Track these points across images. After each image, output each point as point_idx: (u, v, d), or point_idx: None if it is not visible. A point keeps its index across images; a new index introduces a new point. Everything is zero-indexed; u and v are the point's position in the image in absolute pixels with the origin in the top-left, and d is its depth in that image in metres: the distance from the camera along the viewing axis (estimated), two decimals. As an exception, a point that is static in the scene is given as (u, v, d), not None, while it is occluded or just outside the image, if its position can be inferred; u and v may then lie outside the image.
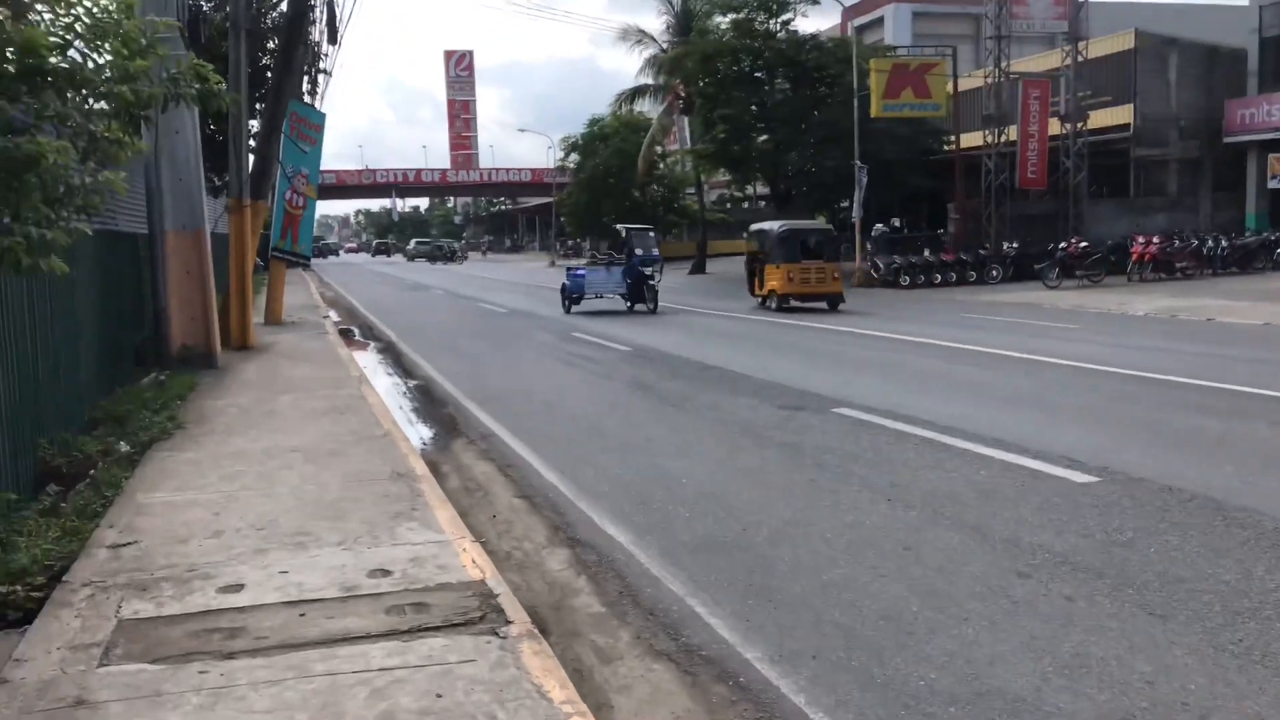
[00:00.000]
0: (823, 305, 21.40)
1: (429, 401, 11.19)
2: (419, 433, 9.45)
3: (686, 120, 46.61)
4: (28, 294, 7.35)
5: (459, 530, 5.49)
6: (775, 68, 35.26)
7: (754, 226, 25.02)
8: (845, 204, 35.95)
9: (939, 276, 29.89)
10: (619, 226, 26.83)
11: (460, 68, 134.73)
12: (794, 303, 21.60)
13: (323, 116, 20.33)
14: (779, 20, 36.00)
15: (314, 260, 52.06)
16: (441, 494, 6.36)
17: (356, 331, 20.20)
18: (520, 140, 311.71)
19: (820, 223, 30.02)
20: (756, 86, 35.22)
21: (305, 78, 22.05)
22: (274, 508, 5.95)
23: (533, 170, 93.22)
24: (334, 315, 23.88)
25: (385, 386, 12.26)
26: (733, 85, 34.57)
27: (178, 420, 8.96)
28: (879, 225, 32.45)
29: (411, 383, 12.66)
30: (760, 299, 22.84)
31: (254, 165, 15.86)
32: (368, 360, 15.23)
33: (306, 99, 20.89)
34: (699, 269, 43.64)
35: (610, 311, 22.17)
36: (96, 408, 9.85)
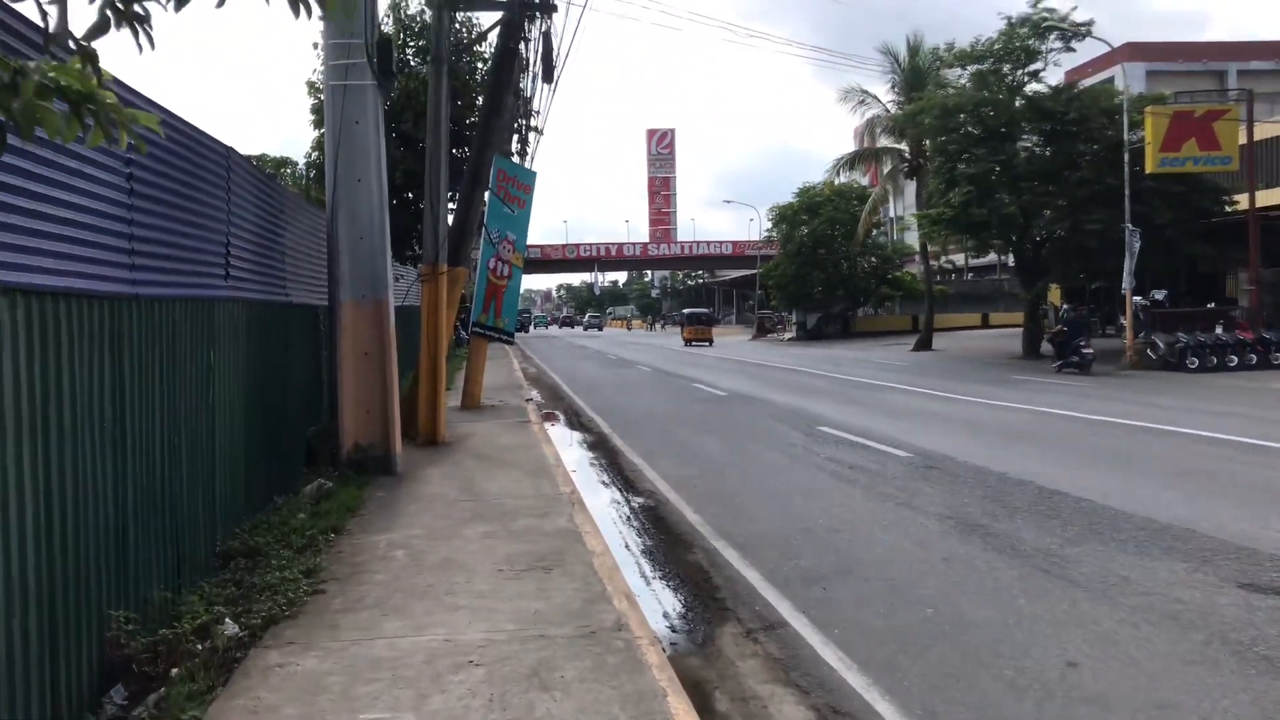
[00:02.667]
0: (1092, 390, 17.11)
1: (666, 538, 8.07)
2: (661, 603, 6.31)
3: (912, 184, 42.84)
4: (106, 384, 4.80)
5: None
6: (1023, 122, 31.14)
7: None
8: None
9: (1234, 358, 24.85)
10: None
11: (661, 145, 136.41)
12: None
13: (533, 176, 18.09)
14: (1026, 71, 31.95)
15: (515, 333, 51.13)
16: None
17: (561, 417, 17.57)
18: (716, 217, 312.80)
19: None
20: (1001, 143, 31.18)
21: (515, 136, 20.09)
22: None
23: (734, 243, 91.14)
24: (536, 395, 21.49)
25: (603, 507, 9.27)
26: (976, 142, 30.69)
27: (318, 574, 6.20)
28: (1137, 298, 27.71)
29: (636, 500, 9.62)
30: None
31: (453, 226, 13.54)
32: (577, 459, 12.39)
33: (515, 160, 18.79)
34: (924, 345, 39.39)
35: (841, 395, 18.68)
36: (239, 531, 7.40)
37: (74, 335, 4.52)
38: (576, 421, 16.73)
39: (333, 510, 8.21)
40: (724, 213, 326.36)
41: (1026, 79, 31.80)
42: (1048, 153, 31.52)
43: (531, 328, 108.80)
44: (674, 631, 5.72)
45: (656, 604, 6.24)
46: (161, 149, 5.84)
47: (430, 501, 8.73)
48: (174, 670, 4.76)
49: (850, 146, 46.82)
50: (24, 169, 4.19)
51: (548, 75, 14.04)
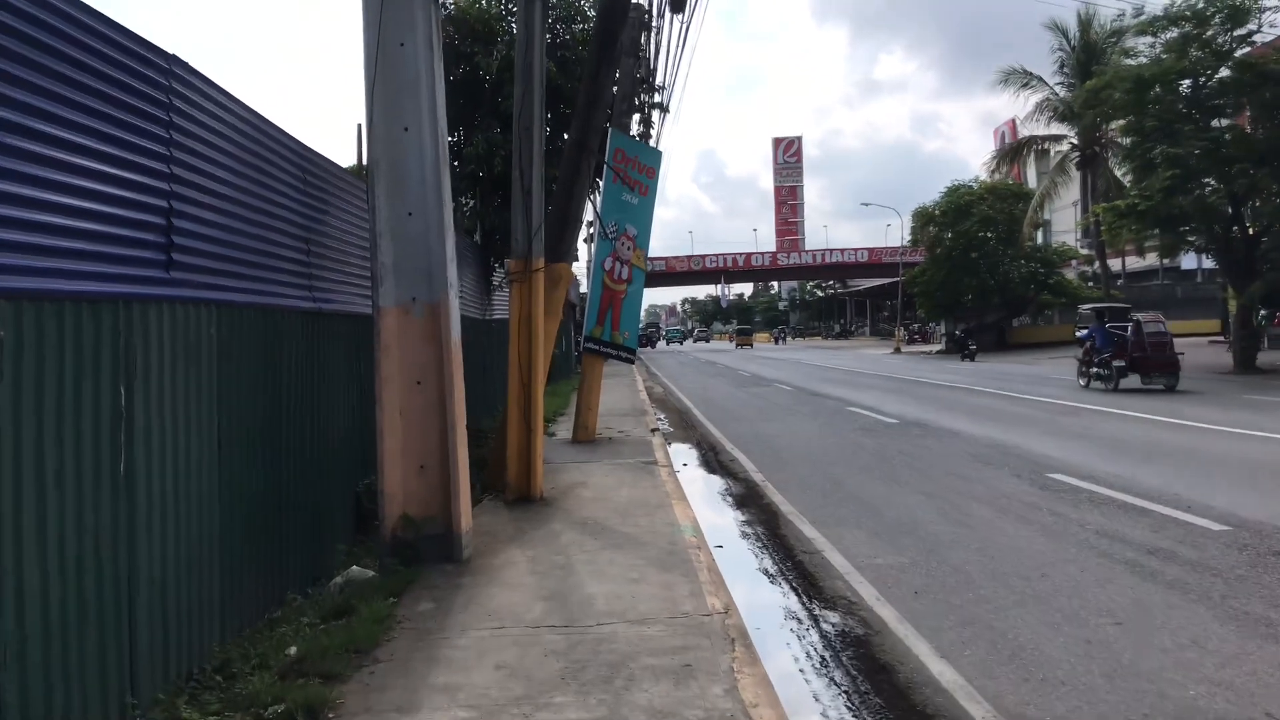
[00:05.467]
0: None
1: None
2: None
3: (1085, 176, 37.83)
4: None
5: None
6: (1233, 93, 26.16)
7: None
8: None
9: None
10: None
11: (789, 154, 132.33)
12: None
13: (658, 156, 14.74)
14: (1233, 35, 26.94)
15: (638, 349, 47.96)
16: None
17: (695, 453, 14.08)
18: (846, 228, 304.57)
19: None
20: (1209, 118, 26.32)
21: (635, 115, 16.78)
22: None
23: (869, 250, 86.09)
24: (664, 423, 18.08)
25: (779, 641, 5.71)
26: (1179, 117, 25.92)
27: None
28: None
29: (829, 621, 6.00)
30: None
31: (552, 209, 10.25)
32: (722, 526, 8.88)
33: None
34: (1103, 359, 34.28)
35: (1047, 424, 14.62)
36: (232, 642, 4.34)
37: None
38: (714, 460, 13.20)
39: (332, 646, 4.93)
40: (854, 222, 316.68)
41: (1234, 44, 26.81)
42: (1260, 132, 26.52)
43: (664, 343, 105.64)
44: None
45: None
46: None
47: (497, 626, 5.35)
48: None
49: (987, 153, 42.04)
50: None
51: (676, 4, 10.63)
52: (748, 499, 10.17)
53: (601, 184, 14.05)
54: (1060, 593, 6.14)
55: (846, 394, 23.53)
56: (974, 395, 21.69)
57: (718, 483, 11.40)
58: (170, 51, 5.17)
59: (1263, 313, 31.35)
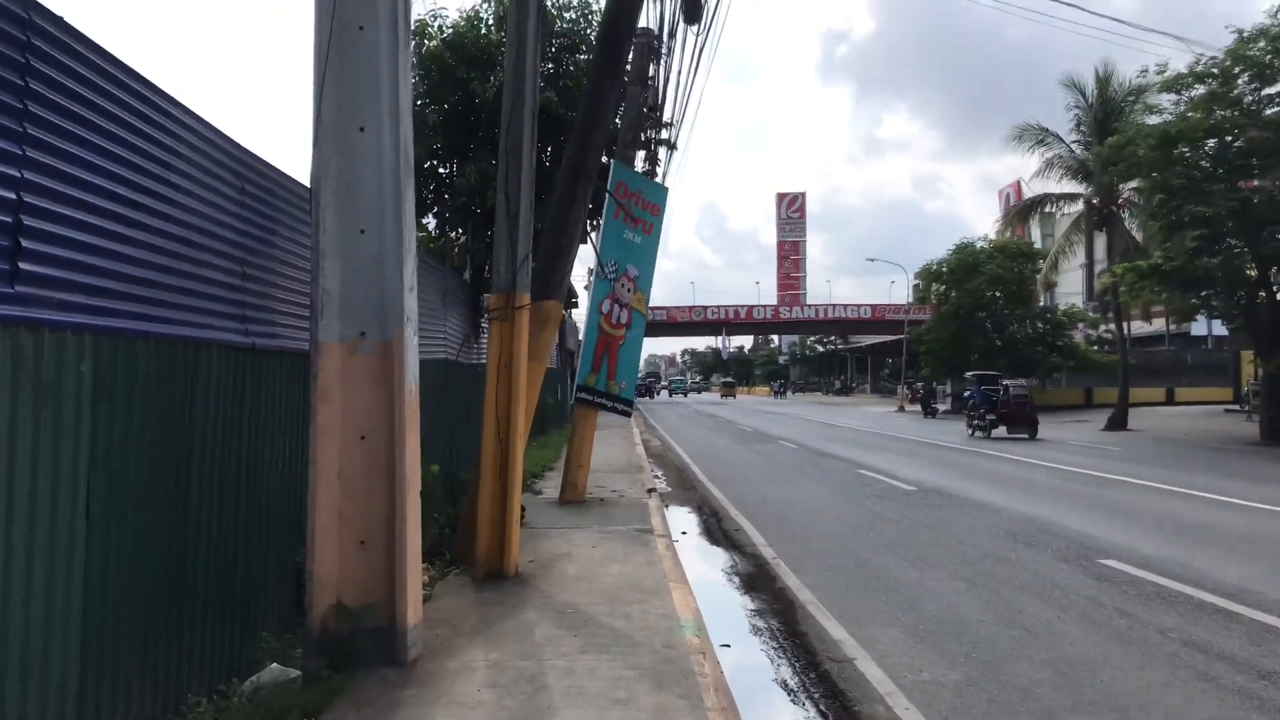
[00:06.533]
0: None
1: None
2: None
3: (1099, 237, 36.82)
4: None
5: None
6: (1263, 154, 25.15)
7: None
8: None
9: None
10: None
11: (792, 209, 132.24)
12: None
13: (664, 193, 13.56)
14: (1261, 93, 26.03)
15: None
16: None
17: (696, 520, 12.72)
18: (848, 284, 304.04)
19: None
20: (1237, 178, 25.31)
21: (642, 152, 15.69)
22: None
23: (873, 306, 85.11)
24: (661, 482, 16.71)
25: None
26: (1207, 177, 24.90)
27: None
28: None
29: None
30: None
31: (541, 243, 9.01)
32: (729, 621, 7.52)
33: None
34: (1118, 424, 33.01)
35: (1079, 496, 13.27)
36: None
37: None
38: (718, 530, 11.83)
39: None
40: (856, 278, 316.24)
41: (1262, 103, 25.87)
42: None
43: (666, 393, 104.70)
44: None
45: None
46: None
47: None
48: None
49: (988, 213, 41.29)
50: None
51: (692, 15, 9.48)
52: (757, 580, 8.79)
53: (602, 220, 12.85)
54: (1167, 735, 4.79)
55: (855, 455, 22.18)
56: (991, 461, 20.34)
57: (721, 558, 10.03)
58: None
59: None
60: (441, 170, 16.31)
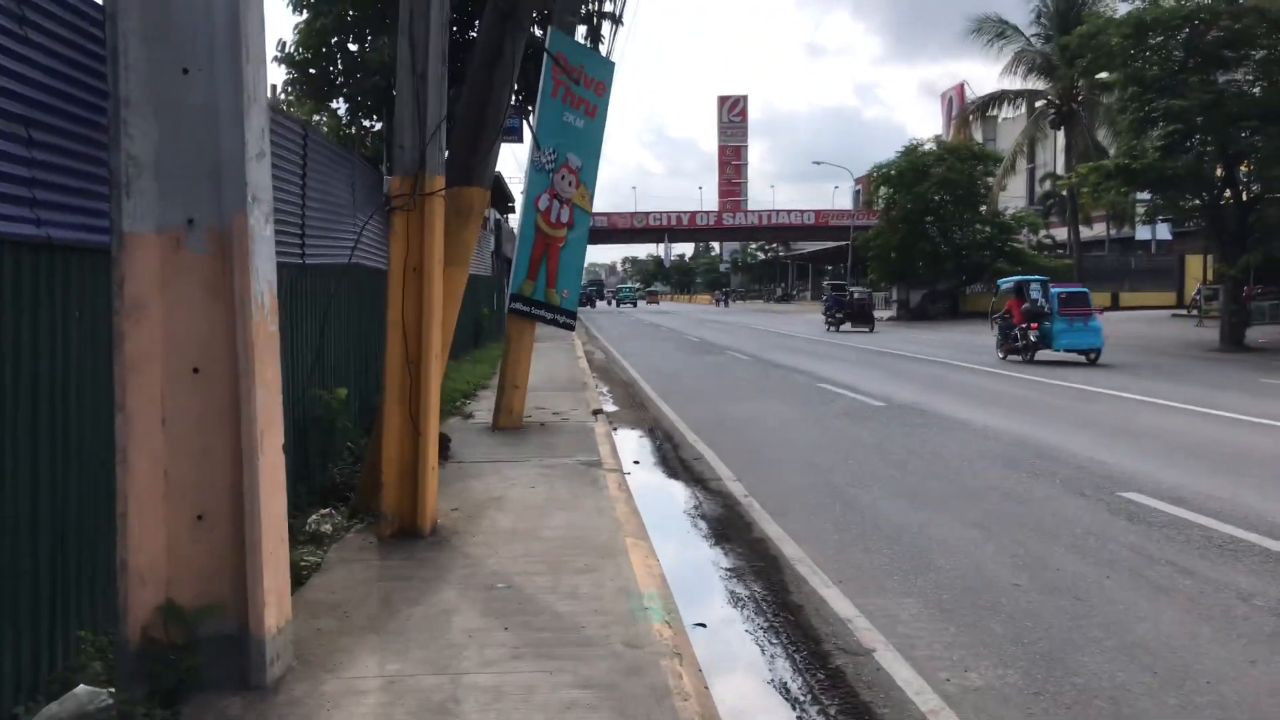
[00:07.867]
0: None
1: None
2: None
3: (1058, 135, 35.47)
4: None
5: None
6: (1241, 43, 23.76)
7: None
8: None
9: None
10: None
11: (734, 113, 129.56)
12: None
13: (610, 68, 11.69)
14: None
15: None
16: None
17: (650, 447, 11.23)
18: (789, 191, 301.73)
19: None
20: (1215, 69, 23.98)
21: (583, 27, 13.68)
22: None
23: (816, 212, 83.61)
24: (608, 400, 15.19)
25: None
26: (1183, 67, 23.52)
27: None
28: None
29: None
30: None
31: (460, 112, 7.17)
32: (708, 594, 6.05)
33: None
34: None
35: (1068, 413, 12.08)
36: None
37: None
38: (675, 458, 10.34)
39: None
40: (797, 185, 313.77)
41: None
42: (1257, 89, 24.34)
43: (612, 303, 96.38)
44: None
45: None
46: None
47: None
48: None
49: (934, 122, 39.65)
50: None
51: None
52: (728, 527, 7.32)
53: (538, 99, 10.97)
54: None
55: (810, 365, 20.91)
56: (954, 371, 19.22)
57: (682, 495, 8.55)
58: None
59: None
60: (352, 46, 14.16)
